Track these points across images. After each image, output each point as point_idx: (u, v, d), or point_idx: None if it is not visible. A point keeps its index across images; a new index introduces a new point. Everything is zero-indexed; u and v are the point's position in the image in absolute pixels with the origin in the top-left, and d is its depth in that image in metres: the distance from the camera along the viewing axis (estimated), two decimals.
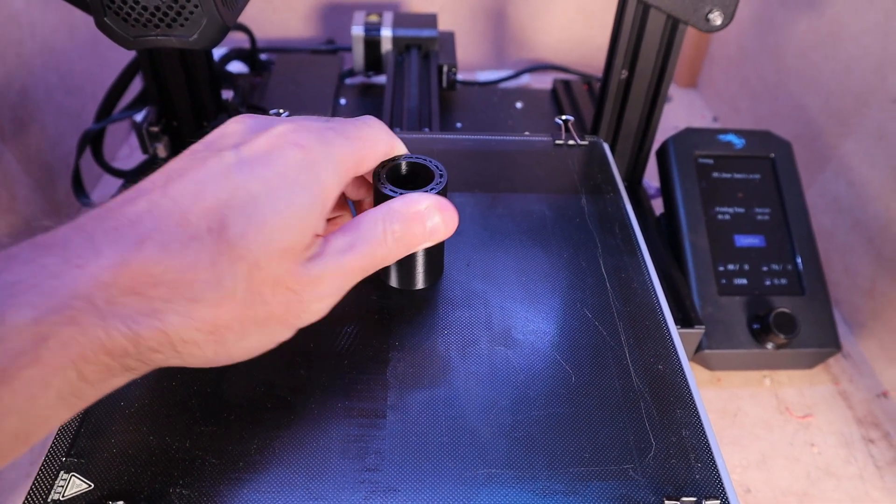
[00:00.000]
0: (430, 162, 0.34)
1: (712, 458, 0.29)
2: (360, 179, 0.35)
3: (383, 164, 0.34)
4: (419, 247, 0.31)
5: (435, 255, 0.36)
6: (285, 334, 0.28)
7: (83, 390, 0.23)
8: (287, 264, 0.26)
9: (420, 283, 0.36)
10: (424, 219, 0.30)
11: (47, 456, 0.28)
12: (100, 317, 0.22)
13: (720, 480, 0.29)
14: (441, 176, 0.33)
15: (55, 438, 0.29)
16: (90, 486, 0.27)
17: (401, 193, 0.32)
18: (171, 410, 0.30)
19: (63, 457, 0.28)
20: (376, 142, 0.32)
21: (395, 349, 0.33)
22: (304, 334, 0.33)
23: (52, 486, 0.27)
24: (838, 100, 0.63)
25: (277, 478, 0.28)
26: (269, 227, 0.25)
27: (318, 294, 0.27)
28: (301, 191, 0.26)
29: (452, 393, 0.31)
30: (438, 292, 0.36)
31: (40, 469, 0.28)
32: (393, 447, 0.29)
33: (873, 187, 0.57)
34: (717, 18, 0.49)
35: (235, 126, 0.29)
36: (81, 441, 0.29)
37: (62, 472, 0.27)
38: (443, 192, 0.33)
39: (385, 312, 0.35)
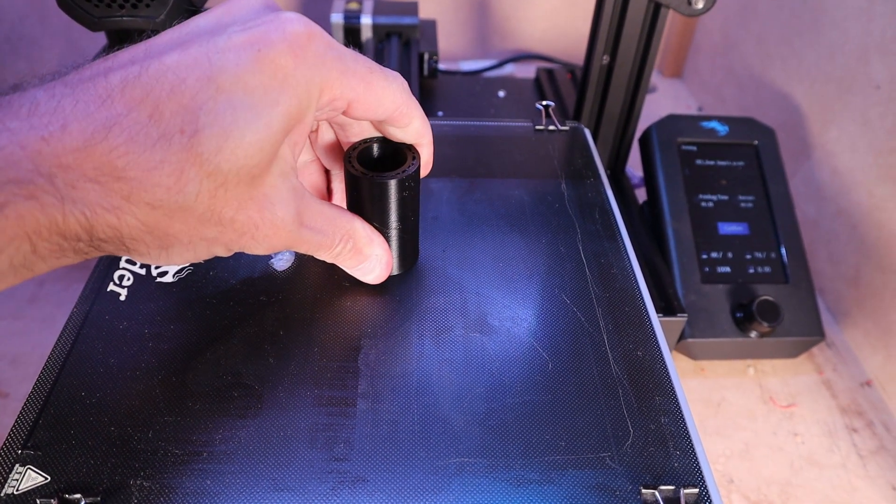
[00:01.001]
0: (404, 144, 0.33)
1: (691, 446, 0.29)
2: (338, 148, 0.34)
3: (355, 146, 0.33)
4: (347, 270, 0.33)
5: (410, 241, 0.35)
6: (225, 254, 0.28)
7: (34, 263, 0.22)
8: (252, 191, 0.25)
9: (394, 269, 0.35)
10: (368, 260, 0.33)
11: (2, 449, 0.27)
12: (59, 198, 0.22)
13: (699, 469, 0.28)
14: (413, 159, 0.32)
15: (11, 430, 0.28)
16: (47, 478, 0.26)
17: (367, 174, 0.31)
18: (133, 400, 0.29)
19: (19, 449, 0.27)
20: (381, 95, 0.29)
21: (367, 336, 0.32)
22: (273, 320, 0.32)
23: (6, 480, 0.26)
24: (822, 87, 0.62)
25: (242, 468, 0.27)
26: (243, 148, 0.24)
27: (271, 238, 0.27)
28: (280, 111, 0.25)
29: (425, 381, 0.30)
30: (413, 278, 0.35)
31: None
32: (362, 436, 0.28)
33: (857, 174, 0.57)
34: (699, 2, 0.48)
35: (243, 1, 0.27)
36: (39, 433, 0.27)
37: (17, 465, 0.26)
38: (414, 176, 0.32)
39: (357, 298, 0.34)
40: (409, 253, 0.35)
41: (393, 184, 0.31)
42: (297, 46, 0.25)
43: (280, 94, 0.25)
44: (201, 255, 0.27)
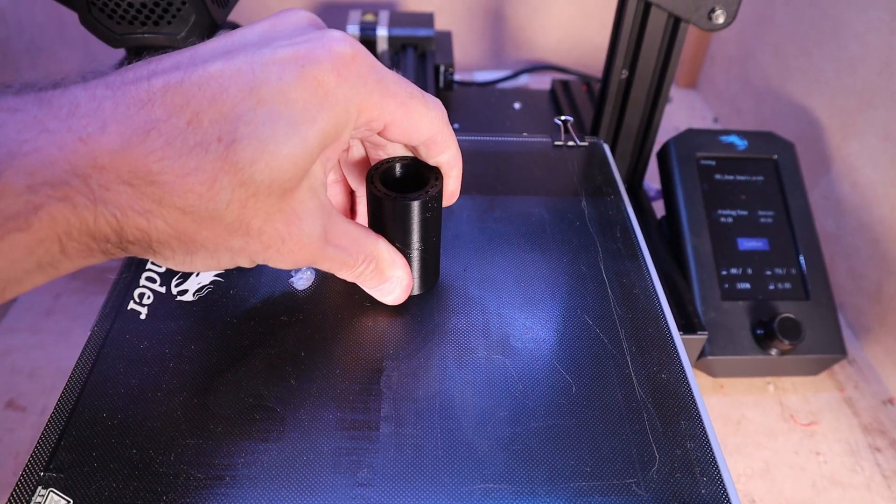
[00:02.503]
0: (426, 165, 0.33)
1: (718, 472, 0.28)
2: (366, 166, 0.34)
3: (377, 166, 0.32)
4: (366, 290, 0.33)
5: (431, 261, 0.34)
6: (248, 265, 0.28)
7: (61, 262, 0.23)
8: (282, 204, 0.25)
9: (415, 289, 0.35)
10: (389, 281, 0.33)
11: (24, 470, 0.27)
12: (91, 200, 0.22)
13: (727, 496, 0.27)
14: (437, 180, 0.32)
15: (33, 451, 0.27)
16: (69, 501, 0.26)
17: (390, 196, 0.30)
18: (155, 422, 0.29)
19: (41, 471, 0.27)
20: (418, 121, 0.29)
21: (389, 358, 0.32)
22: (294, 340, 0.32)
23: (28, 503, 0.26)
24: (842, 100, 0.62)
25: (265, 493, 0.26)
26: (279, 161, 0.24)
27: (296, 253, 0.27)
28: (318, 128, 0.25)
29: (448, 404, 0.30)
30: (434, 298, 0.35)
31: (17, 484, 0.26)
32: (386, 461, 0.28)
33: (878, 189, 0.56)
34: (719, 17, 0.48)
35: (290, 17, 0.27)
36: (61, 454, 0.27)
37: (40, 488, 0.26)
38: (436, 198, 0.32)
39: (378, 319, 0.34)
40: (430, 273, 0.35)
41: (416, 205, 0.31)
42: (341, 65, 0.25)
43: (319, 112, 0.25)
44: (224, 265, 0.27)
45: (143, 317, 0.33)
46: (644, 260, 0.38)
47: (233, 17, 0.82)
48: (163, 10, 0.37)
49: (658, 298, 0.36)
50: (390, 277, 0.32)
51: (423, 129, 0.29)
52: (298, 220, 0.26)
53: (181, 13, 0.37)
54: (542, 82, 0.88)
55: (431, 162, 0.32)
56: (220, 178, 0.23)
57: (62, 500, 0.26)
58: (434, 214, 0.32)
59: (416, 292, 0.35)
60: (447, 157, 0.32)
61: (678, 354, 0.33)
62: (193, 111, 0.23)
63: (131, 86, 0.23)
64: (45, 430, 0.28)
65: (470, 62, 0.95)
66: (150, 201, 0.23)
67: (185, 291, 0.35)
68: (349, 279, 0.32)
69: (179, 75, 0.23)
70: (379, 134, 0.29)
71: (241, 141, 0.23)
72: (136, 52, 0.53)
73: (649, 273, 0.37)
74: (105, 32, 0.38)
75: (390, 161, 0.33)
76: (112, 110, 0.22)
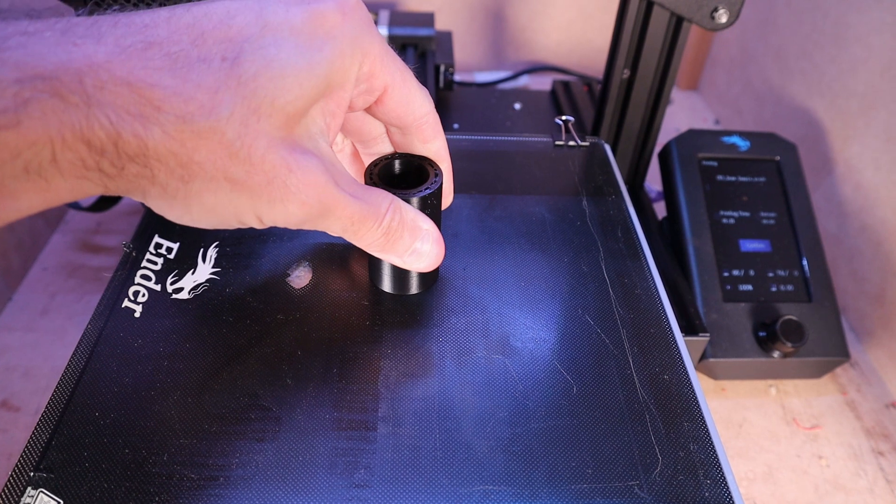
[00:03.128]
0: (426, 160, 0.33)
1: (722, 475, 0.28)
2: (358, 165, 0.34)
3: (376, 162, 0.32)
4: (393, 257, 0.30)
5: None
6: (245, 217, 0.26)
7: (53, 177, 0.21)
8: (284, 133, 0.24)
9: (414, 288, 0.34)
10: (419, 237, 0.30)
11: (14, 470, 0.26)
12: (85, 99, 0.20)
13: (731, 498, 0.27)
14: (436, 175, 0.32)
15: (24, 451, 0.27)
16: (59, 502, 0.25)
17: (391, 191, 0.30)
18: (148, 421, 0.28)
19: (31, 471, 0.26)
20: (415, 94, 0.29)
21: (387, 357, 0.31)
22: (290, 340, 0.32)
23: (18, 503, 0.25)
24: (844, 101, 0.61)
25: (260, 494, 0.26)
26: (283, 78, 0.24)
27: (305, 190, 0.25)
28: (325, 57, 0.25)
29: (447, 404, 0.29)
30: (434, 297, 0.34)
31: (6, 485, 0.26)
32: (383, 462, 0.27)
33: (881, 191, 0.56)
34: (722, 16, 0.47)
35: None
36: (52, 454, 0.27)
37: (29, 488, 0.26)
38: (436, 193, 0.31)
39: (377, 319, 0.33)
40: (430, 272, 0.34)
41: (415, 201, 0.30)
42: (347, 8, 0.26)
43: (325, 43, 0.25)
44: (224, 209, 0.25)
45: (137, 315, 0.33)
46: (646, 260, 0.38)
47: None
48: (147, 4, 0.37)
49: (660, 299, 0.35)
50: (421, 229, 0.30)
51: (418, 104, 0.29)
52: (303, 151, 0.25)
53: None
54: (542, 83, 0.88)
55: (423, 150, 0.32)
56: (222, 89, 0.23)
57: (52, 500, 0.25)
58: (433, 211, 0.32)
59: (414, 291, 0.34)
60: (438, 145, 0.31)
61: (680, 355, 0.33)
62: (198, 32, 0.23)
63: (134, 15, 0.23)
64: (35, 429, 0.28)
65: (470, 63, 0.94)
66: (148, 105, 0.21)
67: (180, 289, 0.34)
68: (374, 243, 0.29)
69: (183, 8, 0.23)
70: (374, 105, 0.29)
71: (244, 56, 0.23)
72: None
73: (651, 273, 0.37)
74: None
75: (389, 157, 0.32)
76: (111, 29, 0.22)
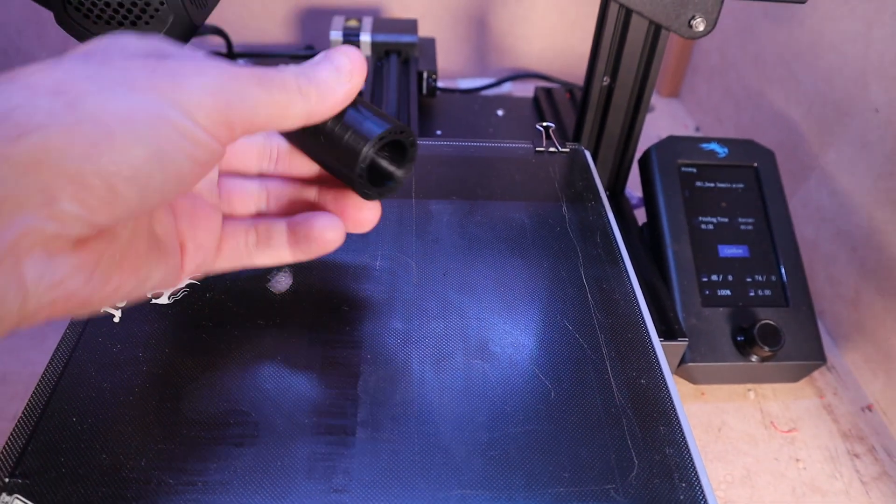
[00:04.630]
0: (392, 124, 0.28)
1: (697, 478, 0.28)
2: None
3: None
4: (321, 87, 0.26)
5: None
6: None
7: None
8: None
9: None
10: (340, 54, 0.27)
11: None
12: None
13: (705, 501, 0.27)
14: (412, 146, 0.30)
15: None
16: None
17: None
18: (126, 426, 0.28)
19: (6, 477, 0.26)
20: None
21: (366, 362, 0.31)
22: (270, 345, 0.32)
23: None
24: (820, 109, 0.62)
25: (238, 499, 0.26)
26: None
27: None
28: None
29: (426, 409, 0.30)
30: (414, 302, 0.35)
31: None
32: (362, 466, 0.27)
33: (856, 197, 0.57)
34: (699, 25, 0.48)
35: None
36: (28, 460, 0.27)
37: (4, 494, 0.25)
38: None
39: (356, 323, 0.33)
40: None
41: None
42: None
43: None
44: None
45: (116, 319, 0.33)
46: (624, 265, 0.38)
47: (218, 22, 0.81)
48: (140, 10, 0.37)
49: (638, 304, 0.36)
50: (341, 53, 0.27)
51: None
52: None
53: (159, 14, 0.37)
54: (525, 90, 0.88)
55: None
56: None
57: None
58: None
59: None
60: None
61: (658, 360, 0.33)
62: None
63: None
64: (11, 434, 0.28)
65: (454, 69, 0.95)
66: None
67: (160, 294, 0.34)
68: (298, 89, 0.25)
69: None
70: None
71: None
72: None
73: (629, 278, 0.37)
74: (81, 32, 0.37)
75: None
76: None
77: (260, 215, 0.32)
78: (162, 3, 0.37)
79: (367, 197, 0.29)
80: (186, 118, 0.22)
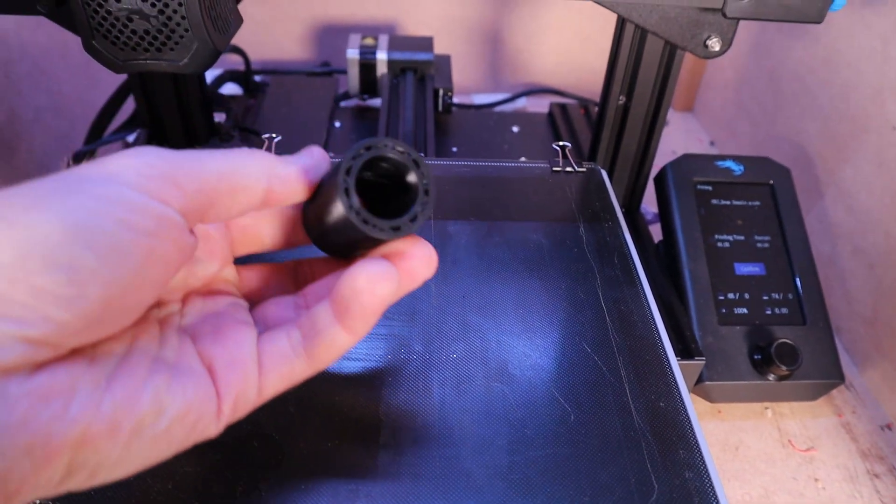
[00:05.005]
0: (410, 160, 0.24)
1: (717, 503, 0.28)
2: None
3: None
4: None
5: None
6: None
7: None
8: None
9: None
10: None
11: None
12: None
13: None
14: (427, 194, 0.24)
15: None
16: None
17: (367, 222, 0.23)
18: None
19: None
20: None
21: (388, 386, 0.32)
22: None
23: None
24: (836, 125, 0.63)
25: None
26: None
27: None
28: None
29: (447, 432, 0.30)
30: (433, 324, 0.35)
31: None
32: (384, 490, 0.27)
33: (873, 214, 0.57)
34: (715, 45, 0.48)
35: None
36: None
37: None
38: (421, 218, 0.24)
39: (377, 345, 0.34)
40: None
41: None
42: None
43: None
44: None
45: None
46: (642, 286, 0.38)
47: (236, 40, 0.82)
48: (166, 37, 0.38)
49: (656, 326, 0.36)
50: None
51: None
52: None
53: (184, 41, 0.38)
54: (539, 105, 0.89)
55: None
56: None
57: None
58: None
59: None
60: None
61: (676, 382, 0.33)
62: None
63: None
64: None
65: (468, 84, 0.95)
66: None
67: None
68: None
69: None
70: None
71: None
72: (139, 77, 0.53)
73: (647, 300, 0.38)
74: (108, 59, 0.38)
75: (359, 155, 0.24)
76: None
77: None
78: (187, 31, 0.37)
79: (380, 236, 0.23)
80: (110, 181, 0.20)
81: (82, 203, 0.19)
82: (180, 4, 0.36)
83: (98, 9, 0.36)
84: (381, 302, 0.24)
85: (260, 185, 0.24)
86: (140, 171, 0.20)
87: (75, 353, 0.20)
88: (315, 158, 0.26)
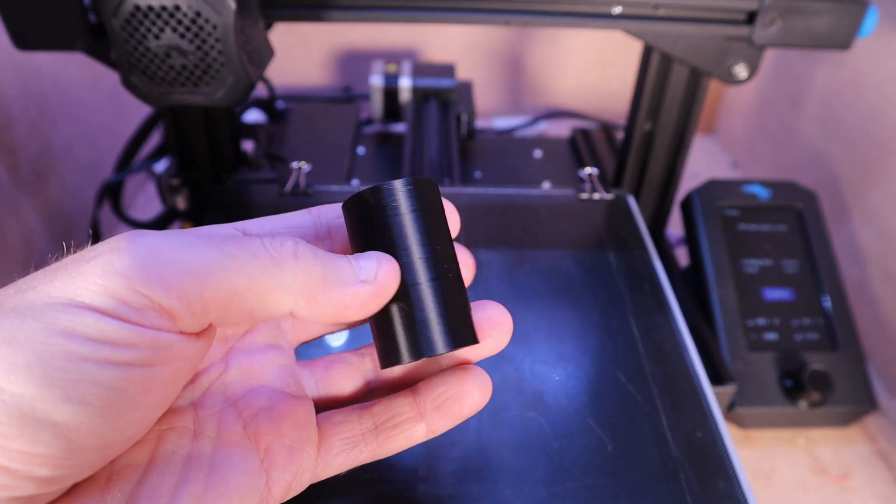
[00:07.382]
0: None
1: None
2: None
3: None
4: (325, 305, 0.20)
5: (447, 284, 0.22)
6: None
7: None
8: None
9: (440, 345, 0.21)
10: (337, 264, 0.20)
11: None
12: None
13: None
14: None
15: None
16: None
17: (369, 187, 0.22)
18: None
19: None
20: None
21: None
22: None
23: None
24: (863, 148, 0.62)
25: None
26: None
27: None
28: None
29: (484, 463, 0.30)
30: None
31: None
32: None
33: None
34: (741, 71, 0.49)
35: None
36: None
37: None
38: (428, 186, 0.23)
39: None
40: (452, 307, 0.22)
41: (399, 185, 0.22)
42: None
43: None
44: None
45: None
46: (673, 314, 0.38)
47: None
48: (202, 71, 0.38)
49: (689, 354, 0.36)
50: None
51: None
52: None
53: (220, 75, 0.39)
54: (560, 128, 0.89)
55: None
56: None
57: None
58: (430, 212, 0.22)
59: (441, 350, 0.21)
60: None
61: (712, 412, 0.33)
62: None
63: None
64: None
65: (489, 109, 0.96)
66: None
67: None
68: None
69: None
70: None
71: None
72: (169, 108, 0.54)
73: (679, 328, 0.37)
74: (145, 94, 0.39)
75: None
76: None
77: (368, 387, 0.26)
78: (223, 65, 0.38)
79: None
80: (78, 309, 0.16)
81: (49, 348, 0.16)
82: (217, 40, 0.37)
83: (137, 45, 0.37)
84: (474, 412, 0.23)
85: (297, 305, 0.20)
86: (111, 290, 0.17)
87: (88, 481, 0.18)
88: (384, 269, 0.21)
